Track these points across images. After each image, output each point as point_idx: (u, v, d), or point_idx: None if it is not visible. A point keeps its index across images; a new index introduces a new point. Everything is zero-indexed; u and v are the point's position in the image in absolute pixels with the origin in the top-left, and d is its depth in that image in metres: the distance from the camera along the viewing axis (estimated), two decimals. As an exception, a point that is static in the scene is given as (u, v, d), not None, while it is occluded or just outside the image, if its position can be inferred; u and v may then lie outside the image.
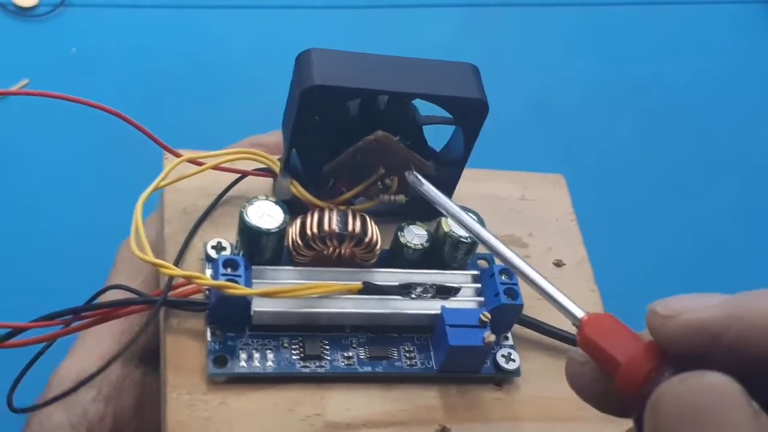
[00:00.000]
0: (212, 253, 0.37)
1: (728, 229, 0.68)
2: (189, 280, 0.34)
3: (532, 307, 0.40)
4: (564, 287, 0.41)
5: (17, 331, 0.34)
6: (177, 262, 0.37)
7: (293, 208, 0.38)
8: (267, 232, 0.35)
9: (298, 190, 0.38)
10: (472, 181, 0.43)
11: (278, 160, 0.39)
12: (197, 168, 0.38)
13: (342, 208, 0.37)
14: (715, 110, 0.73)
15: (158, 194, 0.39)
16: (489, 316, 0.36)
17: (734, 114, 0.73)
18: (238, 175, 0.40)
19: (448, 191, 0.40)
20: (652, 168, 0.69)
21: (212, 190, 0.40)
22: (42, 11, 0.72)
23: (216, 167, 0.39)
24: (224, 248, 0.37)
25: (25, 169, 0.65)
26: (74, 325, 0.35)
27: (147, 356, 0.39)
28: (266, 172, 0.40)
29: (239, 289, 0.34)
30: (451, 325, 0.36)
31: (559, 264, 0.42)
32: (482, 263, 0.40)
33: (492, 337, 0.35)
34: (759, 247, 0.67)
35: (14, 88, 0.65)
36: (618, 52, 0.75)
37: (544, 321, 0.39)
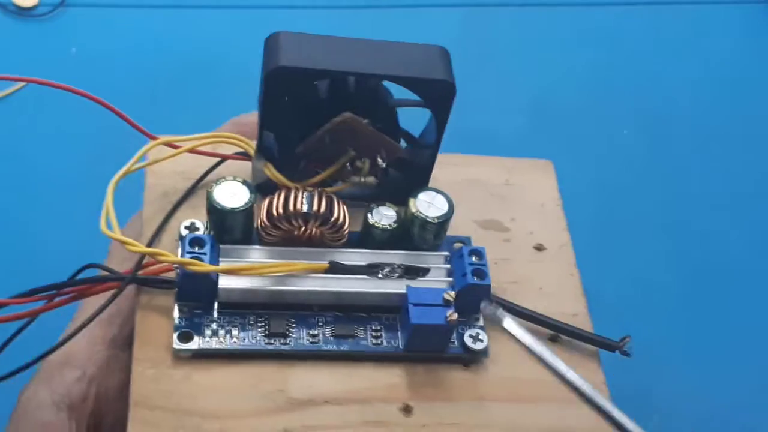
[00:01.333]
0: (184, 233, 0.38)
1: (726, 230, 0.68)
2: (153, 256, 0.35)
3: (507, 290, 0.40)
4: (543, 271, 0.41)
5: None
6: (151, 242, 0.38)
7: (269, 190, 0.39)
8: (232, 211, 0.36)
9: (272, 172, 0.39)
10: (456, 165, 0.44)
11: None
12: (172, 151, 0.39)
13: (310, 189, 0.38)
14: (715, 110, 0.72)
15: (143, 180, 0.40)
16: (453, 295, 0.36)
17: (734, 114, 0.72)
18: (217, 160, 0.41)
19: (425, 175, 0.40)
20: (652, 168, 0.69)
21: (192, 174, 0.41)
22: (42, 11, 0.73)
23: (195, 151, 0.40)
24: (197, 228, 0.38)
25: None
26: (55, 301, 0.36)
27: None
28: (245, 156, 0.40)
29: (201, 266, 0.35)
30: (414, 304, 0.36)
31: (539, 248, 0.42)
32: (457, 246, 0.40)
33: (454, 316, 0.35)
34: (757, 248, 0.66)
35: (14, 88, 0.68)
36: (618, 52, 0.75)
37: (518, 304, 0.39)
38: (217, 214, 0.36)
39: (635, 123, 0.70)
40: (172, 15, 0.74)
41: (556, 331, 0.39)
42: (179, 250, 0.37)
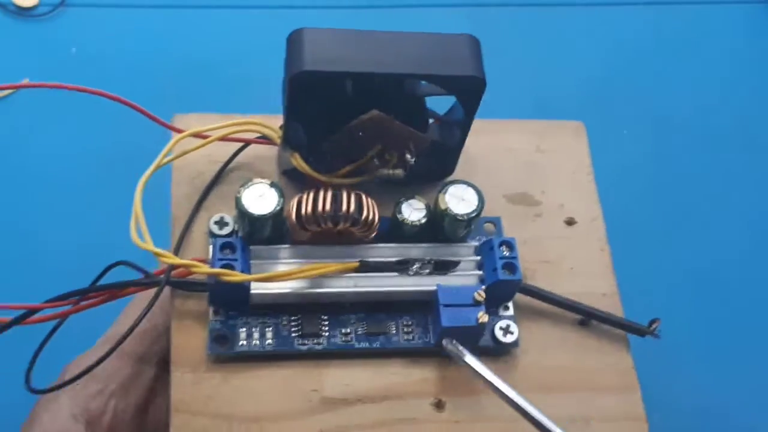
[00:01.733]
0: (215, 229, 0.38)
1: (728, 229, 0.67)
2: (187, 268, 0.35)
3: (538, 270, 0.40)
4: (574, 247, 0.41)
5: (31, 312, 0.36)
6: (181, 240, 0.38)
7: (296, 177, 0.38)
8: (261, 217, 0.36)
9: (298, 162, 0.38)
10: (486, 133, 0.43)
11: (279, 128, 0.39)
12: (201, 141, 0.39)
13: (338, 182, 0.37)
14: (715, 110, 0.71)
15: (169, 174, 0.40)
16: (483, 295, 0.36)
17: (734, 114, 0.71)
18: (242, 144, 0.40)
19: (452, 159, 0.40)
20: (652, 168, 0.68)
21: (219, 158, 0.40)
22: (42, 11, 0.72)
23: (221, 139, 0.39)
24: (227, 224, 0.38)
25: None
26: (83, 303, 0.37)
27: (162, 358, 0.40)
28: (268, 140, 0.40)
29: (235, 276, 0.35)
30: (445, 305, 0.36)
31: (570, 222, 0.42)
32: (488, 227, 0.40)
33: (485, 318, 0.36)
34: (757, 249, 0.66)
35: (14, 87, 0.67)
36: (617, 52, 0.73)
37: (547, 289, 0.39)
38: (246, 219, 0.36)
39: (635, 123, 0.70)
40: (173, 15, 0.73)
41: (586, 316, 0.39)
42: (210, 248, 0.38)
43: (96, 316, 0.39)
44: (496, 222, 0.40)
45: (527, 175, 0.43)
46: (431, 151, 0.39)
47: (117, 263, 0.37)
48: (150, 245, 0.35)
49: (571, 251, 0.41)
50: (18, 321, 0.36)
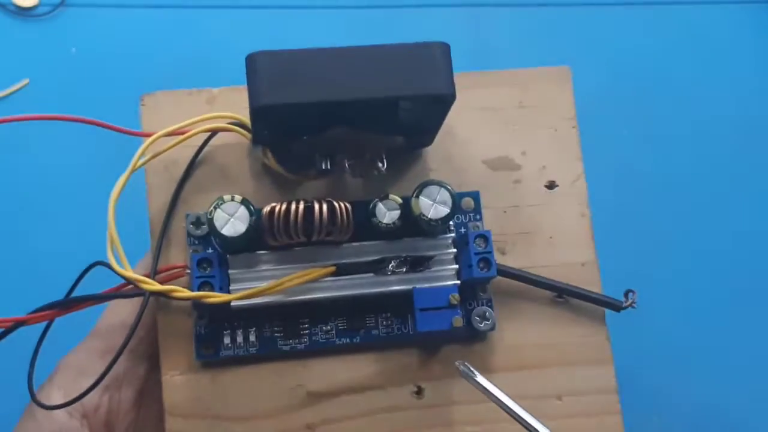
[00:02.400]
0: (191, 230, 0.38)
1: (729, 229, 0.66)
2: (168, 295, 0.36)
3: (517, 242, 0.41)
4: (554, 214, 0.41)
5: (18, 323, 0.37)
6: (159, 249, 0.38)
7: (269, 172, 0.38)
8: (234, 238, 0.36)
9: (272, 163, 0.38)
10: (467, 89, 0.41)
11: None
12: (175, 139, 0.38)
13: (308, 202, 0.37)
14: (714, 111, 0.68)
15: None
16: (458, 298, 0.37)
17: (734, 114, 0.68)
18: (208, 134, 0.39)
19: (432, 133, 0.39)
20: (652, 168, 0.67)
21: (191, 143, 0.39)
22: (42, 11, 0.70)
23: (192, 135, 0.38)
24: (203, 224, 0.38)
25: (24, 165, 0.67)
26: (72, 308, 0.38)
27: (155, 352, 0.40)
28: (239, 126, 0.39)
29: (215, 297, 0.36)
30: (421, 309, 0.37)
31: (551, 186, 0.41)
32: (466, 202, 0.40)
33: (460, 322, 0.37)
34: (758, 251, 0.65)
35: (14, 87, 0.66)
36: (617, 53, 0.70)
37: (526, 261, 0.40)
38: (220, 238, 0.36)
39: (635, 123, 0.68)
40: (173, 15, 0.70)
41: (561, 293, 0.40)
42: (189, 248, 0.38)
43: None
44: (474, 197, 0.40)
45: (508, 136, 0.41)
46: (406, 145, 0.38)
47: (96, 263, 0.38)
48: (129, 272, 0.36)
49: (550, 219, 0.41)
50: (6, 334, 0.37)
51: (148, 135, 0.38)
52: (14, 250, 0.64)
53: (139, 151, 0.37)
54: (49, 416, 0.39)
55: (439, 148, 0.40)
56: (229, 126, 0.38)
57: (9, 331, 0.37)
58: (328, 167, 0.37)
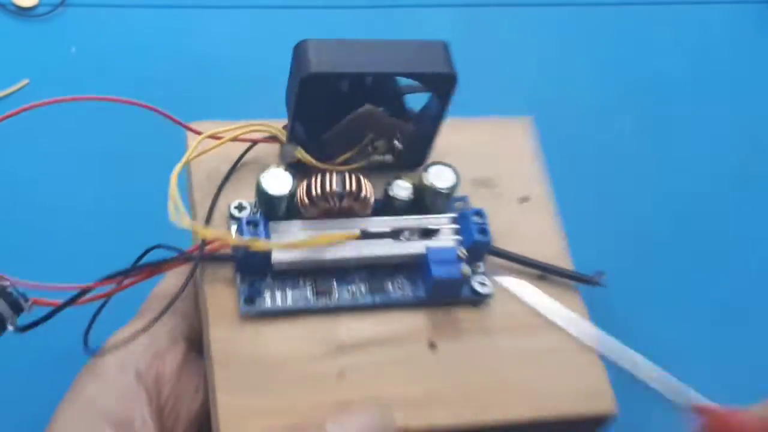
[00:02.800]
0: (235, 213, 0.45)
1: (729, 227, 0.68)
2: (220, 239, 0.42)
3: (499, 239, 0.48)
4: (529, 219, 0.49)
5: (84, 291, 0.42)
6: (206, 223, 0.45)
7: (299, 169, 0.46)
8: (279, 197, 0.43)
9: (302, 155, 0.46)
10: (452, 130, 0.50)
11: (283, 128, 0.47)
12: (217, 141, 0.46)
13: (337, 168, 0.45)
14: (714, 111, 0.73)
15: (185, 170, 0.47)
16: (465, 252, 0.44)
17: (734, 115, 0.72)
18: (249, 143, 0.47)
19: (427, 146, 0.48)
20: (652, 169, 0.69)
21: (230, 156, 0.48)
22: (42, 11, 0.73)
23: (233, 139, 0.47)
24: (244, 207, 0.45)
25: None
26: (126, 282, 0.43)
27: (191, 335, 0.45)
28: (274, 139, 0.47)
29: (262, 245, 0.42)
30: (434, 261, 0.44)
31: (524, 199, 0.50)
32: (458, 205, 0.48)
33: (468, 270, 0.44)
34: (753, 249, 0.67)
35: (14, 87, 0.68)
36: (618, 53, 0.75)
37: (512, 251, 0.48)
38: (266, 199, 0.44)
39: (635, 124, 0.71)
40: (173, 15, 0.74)
41: (543, 271, 0.48)
42: (232, 227, 0.45)
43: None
44: (465, 200, 0.49)
45: (487, 163, 0.51)
46: (409, 143, 0.47)
47: (155, 246, 0.44)
48: (186, 221, 0.42)
49: (526, 222, 0.50)
50: (73, 300, 0.42)
51: (197, 132, 0.46)
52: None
53: (191, 148, 0.45)
54: (107, 373, 0.43)
55: (434, 163, 0.49)
56: (266, 128, 0.47)
57: (76, 297, 0.42)
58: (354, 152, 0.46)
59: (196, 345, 0.46)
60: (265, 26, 0.72)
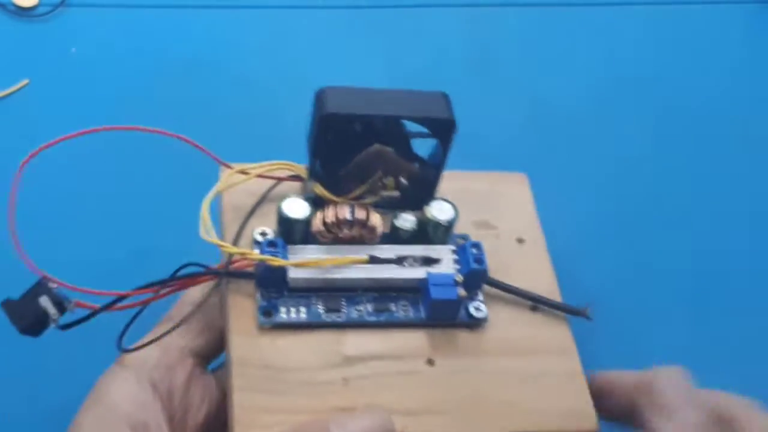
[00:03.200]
0: (258, 238, 0.51)
1: (728, 230, 0.67)
2: (243, 255, 0.48)
3: (498, 273, 0.53)
4: (524, 258, 0.54)
5: (120, 298, 0.47)
6: (235, 242, 0.51)
7: (317, 202, 0.52)
8: (297, 221, 0.49)
9: (320, 190, 0.52)
10: (452, 180, 0.57)
11: (305, 168, 0.53)
12: (245, 177, 0.52)
13: (352, 203, 0.51)
14: (714, 112, 0.72)
15: (217, 199, 0.53)
16: (461, 277, 0.49)
17: (734, 115, 0.72)
18: (275, 181, 0.53)
19: (432, 188, 0.53)
20: (653, 169, 0.69)
21: (257, 191, 0.53)
22: (42, 11, 0.72)
23: (259, 175, 0.53)
24: (267, 234, 0.51)
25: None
26: (161, 292, 0.48)
27: (200, 351, 0.51)
28: (296, 177, 0.53)
29: (278, 261, 0.48)
30: (433, 284, 0.49)
31: (520, 240, 0.55)
32: (459, 241, 0.53)
33: (463, 292, 0.49)
34: (756, 248, 0.66)
35: (14, 88, 0.68)
36: (618, 54, 0.75)
37: (509, 283, 0.52)
38: (285, 222, 0.49)
39: (636, 125, 0.71)
40: (174, 15, 0.72)
41: (536, 302, 0.52)
42: (256, 251, 0.50)
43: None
44: (466, 237, 0.54)
45: (486, 208, 0.57)
46: (416, 185, 0.53)
47: (187, 264, 0.49)
48: (215, 239, 0.48)
49: (521, 260, 0.54)
50: (111, 305, 0.47)
51: (229, 167, 0.52)
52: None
53: (222, 180, 0.51)
54: (128, 380, 0.48)
55: (437, 209, 0.55)
56: (289, 167, 0.53)
57: (111, 303, 0.47)
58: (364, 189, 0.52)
59: (203, 361, 0.52)
60: (265, 27, 0.72)
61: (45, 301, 0.45)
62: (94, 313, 0.46)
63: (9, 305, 0.45)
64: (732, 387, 0.53)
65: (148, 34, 0.73)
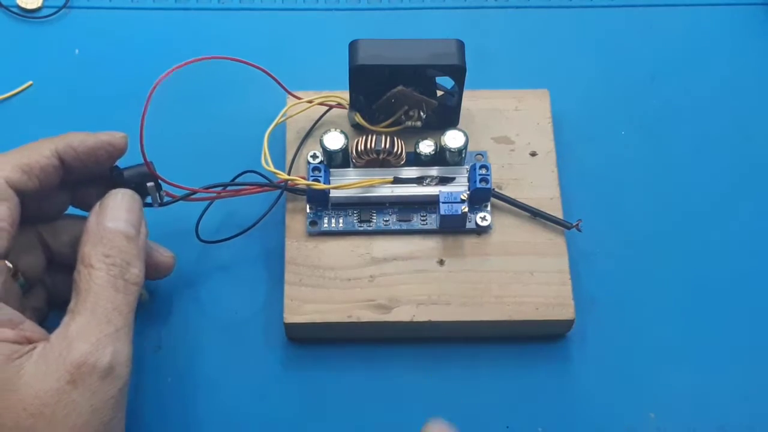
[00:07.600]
0: (310, 159, 0.64)
1: (727, 229, 0.67)
2: (293, 181, 0.61)
3: (510, 184, 0.64)
4: (534, 170, 0.65)
5: (192, 192, 0.61)
6: (291, 165, 0.64)
7: (358, 128, 0.64)
8: (334, 150, 0.62)
9: (359, 119, 0.64)
10: (480, 99, 0.67)
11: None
12: (304, 106, 0.65)
13: (383, 130, 0.62)
14: (714, 112, 0.71)
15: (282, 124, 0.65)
16: (467, 195, 0.61)
17: (733, 116, 0.71)
18: (327, 108, 0.66)
19: (455, 116, 0.64)
20: (652, 170, 0.69)
21: (313, 116, 0.66)
22: (46, 13, 0.73)
23: (317, 104, 0.65)
24: (317, 156, 0.64)
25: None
26: (223, 192, 0.62)
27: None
28: (343, 106, 0.65)
29: (320, 186, 0.61)
30: (443, 202, 0.61)
31: (533, 154, 0.66)
32: (478, 157, 0.64)
33: (466, 209, 0.60)
34: (751, 253, 0.66)
35: (18, 90, 0.70)
36: (618, 54, 0.74)
37: (515, 195, 0.63)
38: (326, 151, 0.62)
39: (634, 123, 0.71)
40: (177, 17, 0.73)
41: (533, 214, 0.63)
42: (308, 171, 0.63)
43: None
44: (483, 154, 0.65)
45: (507, 125, 0.67)
46: (441, 110, 0.64)
47: (248, 171, 0.62)
48: (272, 167, 0.61)
49: (532, 172, 0.65)
50: (186, 197, 0.60)
51: (297, 97, 0.64)
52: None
53: (283, 111, 0.64)
54: None
55: (461, 126, 0.65)
56: (338, 99, 0.65)
57: (186, 195, 0.60)
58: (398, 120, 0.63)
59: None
60: (266, 28, 0.74)
61: (151, 189, 0.58)
62: (174, 200, 0.60)
63: (118, 173, 0.57)
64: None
65: (151, 37, 0.73)
